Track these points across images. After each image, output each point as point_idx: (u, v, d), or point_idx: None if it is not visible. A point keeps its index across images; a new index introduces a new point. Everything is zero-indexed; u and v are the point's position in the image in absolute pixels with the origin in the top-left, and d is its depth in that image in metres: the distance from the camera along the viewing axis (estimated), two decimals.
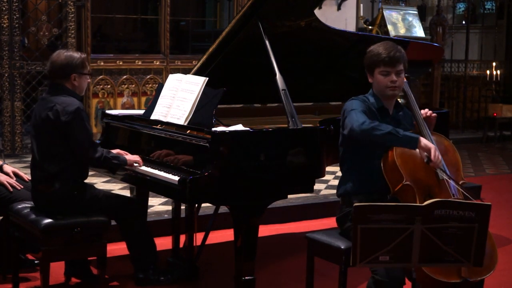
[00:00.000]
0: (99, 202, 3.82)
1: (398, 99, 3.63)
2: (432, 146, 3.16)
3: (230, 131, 3.52)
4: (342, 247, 3.32)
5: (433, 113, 3.50)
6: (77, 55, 3.79)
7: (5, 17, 7.30)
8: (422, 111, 3.47)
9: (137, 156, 3.87)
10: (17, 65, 7.38)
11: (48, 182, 3.70)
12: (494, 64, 11.82)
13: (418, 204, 2.64)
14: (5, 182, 4.00)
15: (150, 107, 4.09)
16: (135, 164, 3.83)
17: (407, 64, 3.42)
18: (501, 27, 13.04)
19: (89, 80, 3.94)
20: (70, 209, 3.71)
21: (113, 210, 3.85)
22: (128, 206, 3.93)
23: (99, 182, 5.97)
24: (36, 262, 4.24)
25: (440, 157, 3.16)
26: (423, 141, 3.17)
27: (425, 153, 3.14)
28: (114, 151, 3.93)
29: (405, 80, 3.51)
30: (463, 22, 13.43)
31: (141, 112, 4.29)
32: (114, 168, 3.87)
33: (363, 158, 3.37)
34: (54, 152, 3.69)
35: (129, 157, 3.85)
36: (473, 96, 12.11)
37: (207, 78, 3.86)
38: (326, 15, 8.26)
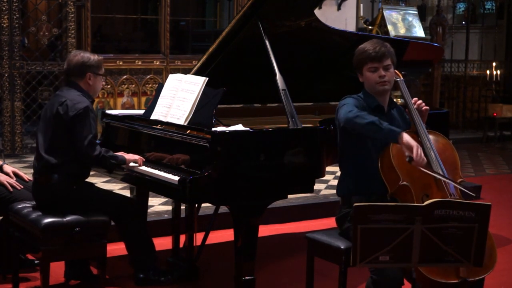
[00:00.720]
0: (97, 200, 3.82)
1: (398, 100, 3.62)
2: (414, 144, 3.09)
3: (230, 131, 3.52)
4: (342, 247, 3.32)
5: (425, 106, 3.44)
6: (93, 56, 3.89)
7: (5, 17, 7.30)
8: (415, 101, 3.44)
9: (137, 155, 3.88)
10: (17, 65, 7.38)
11: (48, 173, 3.72)
12: (494, 64, 11.82)
13: (418, 204, 2.64)
14: (5, 182, 4.00)
15: (150, 107, 4.09)
16: (132, 164, 3.83)
17: (395, 58, 3.41)
18: (501, 27, 13.04)
19: (103, 82, 3.99)
20: (68, 204, 3.71)
21: (111, 209, 3.84)
22: (124, 206, 3.92)
23: (99, 182, 5.97)
24: (36, 262, 4.24)
25: (423, 156, 3.10)
26: (406, 137, 3.10)
27: (407, 153, 3.09)
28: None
29: (401, 78, 3.51)
30: (463, 22, 13.43)
31: (141, 112, 4.30)
32: (112, 167, 3.87)
33: (361, 159, 3.36)
34: (57, 146, 3.73)
35: (128, 156, 3.85)
36: (473, 96, 12.10)
37: (207, 78, 3.86)
38: (326, 15, 8.25)
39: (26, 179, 4.11)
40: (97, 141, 4.35)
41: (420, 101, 3.44)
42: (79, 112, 3.69)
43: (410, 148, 3.08)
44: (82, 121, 3.69)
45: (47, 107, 3.87)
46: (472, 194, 3.36)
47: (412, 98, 3.44)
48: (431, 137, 3.36)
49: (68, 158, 3.73)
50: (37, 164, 3.81)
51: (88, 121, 3.70)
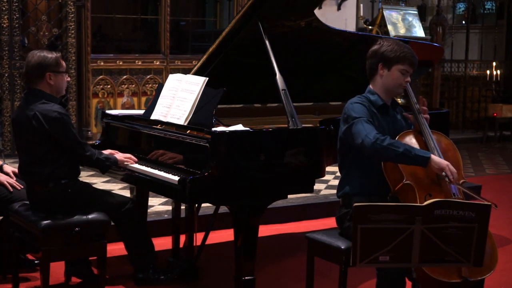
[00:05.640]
0: (95, 201, 3.82)
1: (399, 100, 3.62)
2: (445, 164, 3.12)
3: (230, 131, 3.52)
4: (342, 247, 3.32)
5: (428, 111, 3.47)
6: (50, 54, 3.77)
7: (5, 17, 7.29)
8: (421, 103, 3.46)
9: (128, 154, 3.92)
10: (17, 65, 7.37)
11: (42, 183, 3.71)
12: (494, 64, 11.82)
13: (418, 204, 2.64)
14: (5, 182, 4.00)
15: (150, 107, 4.09)
16: (125, 163, 3.86)
17: None
18: (501, 27, 13.04)
19: (68, 79, 3.89)
20: (65, 207, 3.71)
21: (108, 209, 3.84)
22: (123, 206, 3.91)
23: (99, 182, 5.97)
24: (36, 262, 4.24)
25: (455, 170, 3.13)
26: (435, 159, 3.13)
27: (443, 173, 3.11)
28: (106, 151, 3.94)
29: None
30: (463, 22, 13.43)
31: (141, 112, 4.30)
32: (107, 169, 3.89)
33: (363, 161, 3.36)
34: (44, 158, 3.69)
35: (120, 156, 3.87)
36: (473, 96, 12.11)
37: (207, 78, 3.86)
38: (326, 15, 8.26)
39: None
40: (97, 141, 4.38)
41: (425, 108, 3.45)
42: (53, 121, 3.62)
43: (442, 170, 3.11)
44: (61, 128, 3.65)
45: (17, 122, 3.78)
46: (475, 196, 3.35)
47: (415, 97, 3.46)
48: (434, 137, 3.36)
49: (58, 165, 3.70)
50: (27, 176, 3.78)
51: (66, 125, 3.66)
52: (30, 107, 3.69)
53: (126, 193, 4.69)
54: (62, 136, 3.66)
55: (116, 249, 4.44)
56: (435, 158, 3.14)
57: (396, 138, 3.30)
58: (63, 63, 3.83)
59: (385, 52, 3.36)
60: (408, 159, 3.14)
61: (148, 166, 3.81)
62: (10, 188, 4.00)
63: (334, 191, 3.59)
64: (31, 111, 3.67)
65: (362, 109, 3.31)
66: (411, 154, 3.13)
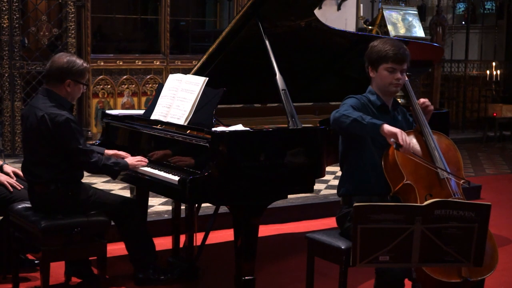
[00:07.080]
0: (96, 202, 3.81)
1: (399, 99, 3.61)
2: (397, 130, 3.12)
3: (230, 131, 3.52)
4: (342, 247, 3.32)
5: (430, 106, 3.48)
6: (79, 61, 3.76)
7: (5, 17, 7.30)
8: (420, 100, 3.46)
9: (139, 156, 3.88)
10: (17, 65, 7.38)
11: (43, 185, 3.70)
12: (494, 64, 11.82)
13: (418, 204, 2.64)
14: (5, 182, 4.00)
15: (150, 107, 4.09)
16: (137, 166, 3.82)
17: (409, 62, 3.43)
18: (501, 27, 13.04)
19: (83, 90, 3.88)
20: (66, 208, 3.71)
21: (109, 209, 3.84)
22: (123, 206, 3.91)
23: (99, 182, 5.97)
24: (36, 262, 4.24)
25: (409, 140, 3.12)
26: (387, 127, 3.13)
27: (392, 139, 3.11)
28: (111, 152, 3.92)
29: (406, 78, 3.52)
30: (463, 22, 13.43)
31: (141, 112, 4.30)
32: (116, 174, 3.83)
33: (363, 159, 3.37)
34: (47, 160, 3.68)
35: (130, 160, 3.84)
36: (473, 96, 12.11)
37: (207, 78, 3.86)
38: (326, 15, 8.27)
39: None
40: (97, 141, 4.37)
41: (426, 100, 3.45)
42: (60, 126, 3.61)
43: (394, 136, 3.11)
44: (66, 134, 3.63)
45: (25, 119, 3.77)
46: (467, 185, 3.32)
47: (415, 97, 3.46)
48: (434, 137, 3.36)
49: (60, 170, 3.69)
50: (29, 176, 3.77)
51: (72, 132, 3.64)
52: (40, 107, 3.69)
53: (126, 193, 4.69)
54: (65, 142, 3.64)
55: (116, 249, 4.44)
56: (387, 126, 3.14)
57: None
58: (87, 76, 3.82)
59: (370, 55, 3.42)
60: (362, 126, 3.17)
61: (148, 166, 3.81)
62: (10, 188, 4.00)
63: (334, 191, 3.60)
64: (40, 111, 3.66)
65: (354, 100, 3.37)
66: (364, 121, 3.16)
